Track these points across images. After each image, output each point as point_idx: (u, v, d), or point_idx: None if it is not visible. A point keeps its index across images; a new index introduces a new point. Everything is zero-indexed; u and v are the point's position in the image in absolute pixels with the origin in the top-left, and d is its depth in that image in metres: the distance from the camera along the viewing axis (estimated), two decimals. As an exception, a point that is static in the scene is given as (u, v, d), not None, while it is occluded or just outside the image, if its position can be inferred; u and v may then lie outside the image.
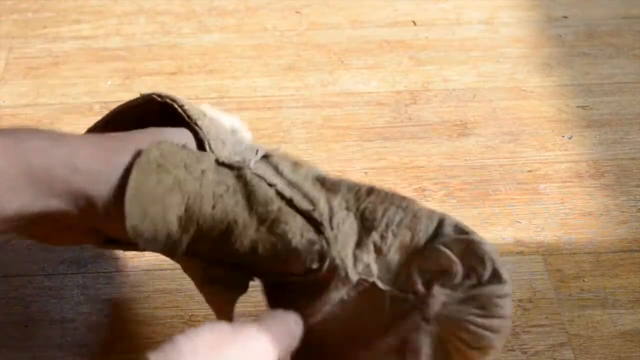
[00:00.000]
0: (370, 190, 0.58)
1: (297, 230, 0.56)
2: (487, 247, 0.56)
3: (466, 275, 0.56)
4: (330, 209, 0.57)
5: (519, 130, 0.85)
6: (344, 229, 0.57)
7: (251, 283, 0.60)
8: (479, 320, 0.55)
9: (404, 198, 0.58)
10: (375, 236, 0.57)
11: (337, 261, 0.56)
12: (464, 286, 0.55)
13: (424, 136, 0.84)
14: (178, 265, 0.61)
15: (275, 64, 0.92)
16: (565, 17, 0.97)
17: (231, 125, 0.64)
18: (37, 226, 0.58)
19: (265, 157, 0.59)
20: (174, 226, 0.56)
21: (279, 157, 0.60)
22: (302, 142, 0.83)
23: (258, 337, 0.52)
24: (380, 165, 0.81)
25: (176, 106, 0.61)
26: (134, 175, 0.55)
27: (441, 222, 0.57)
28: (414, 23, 0.97)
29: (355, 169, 0.80)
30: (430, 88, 0.89)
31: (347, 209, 0.57)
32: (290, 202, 0.57)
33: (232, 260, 0.57)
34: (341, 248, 0.56)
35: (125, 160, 0.56)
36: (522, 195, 0.79)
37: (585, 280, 0.72)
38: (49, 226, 0.59)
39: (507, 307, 0.55)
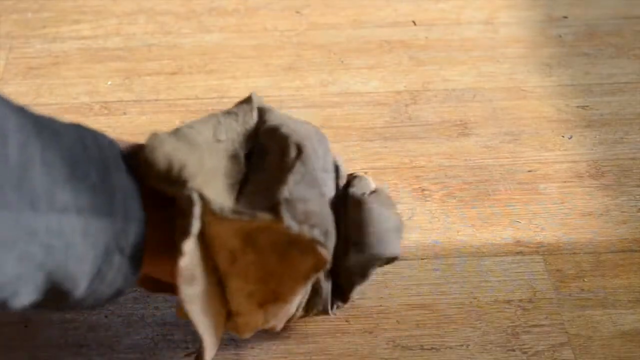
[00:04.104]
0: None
1: None
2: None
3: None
4: None
5: (519, 130, 0.85)
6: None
7: None
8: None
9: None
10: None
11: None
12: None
13: (424, 136, 0.84)
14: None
15: (275, 64, 0.92)
16: (565, 17, 0.97)
17: None
18: None
19: None
20: None
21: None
22: (302, 142, 0.83)
23: None
24: (380, 165, 0.81)
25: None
26: None
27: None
28: (414, 23, 0.97)
29: (355, 169, 0.80)
30: (430, 88, 0.89)
31: None
32: None
33: None
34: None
35: None
36: (522, 195, 0.79)
37: (585, 280, 0.72)
38: None
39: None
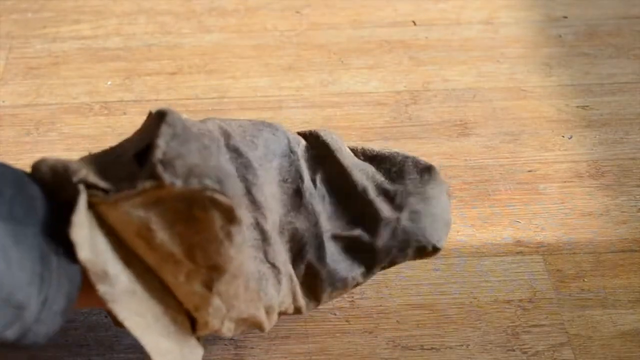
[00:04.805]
0: None
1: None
2: None
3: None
4: None
5: (519, 130, 0.85)
6: None
7: None
8: None
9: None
10: None
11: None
12: None
13: (424, 136, 0.84)
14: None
15: (275, 64, 0.92)
16: (565, 17, 0.97)
17: None
18: None
19: None
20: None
21: None
22: (302, 142, 0.83)
23: None
24: (380, 165, 0.81)
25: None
26: None
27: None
28: (414, 23, 0.97)
29: (355, 169, 0.80)
30: (430, 88, 0.89)
31: None
32: None
33: None
34: None
35: None
36: (522, 195, 0.79)
37: (585, 280, 0.72)
38: None
39: None
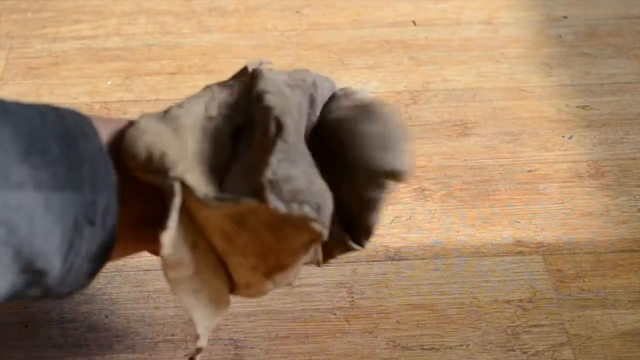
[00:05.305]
0: None
1: None
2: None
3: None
4: None
5: (519, 130, 0.85)
6: None
7: None
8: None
9: None
10: None
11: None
12: None
13: (424, 136, 0.84)
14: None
15: (275, 64, 0.91)
16: (565, 17, 0.97)
17: None
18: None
19: None
20: None
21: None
22: (302, 142, 0.83)
23: None
24: (380, 165, 0.81)
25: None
26: None
27: None
28: (414, 23, 0.97)
29: (355, 169, 0.80)
30: (430, 88, 0.89)
31: None
32: None
33: None
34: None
35: None
36: (522, 195, 0.79)
37: (585, 280, 0.72)
38: None
39: None
